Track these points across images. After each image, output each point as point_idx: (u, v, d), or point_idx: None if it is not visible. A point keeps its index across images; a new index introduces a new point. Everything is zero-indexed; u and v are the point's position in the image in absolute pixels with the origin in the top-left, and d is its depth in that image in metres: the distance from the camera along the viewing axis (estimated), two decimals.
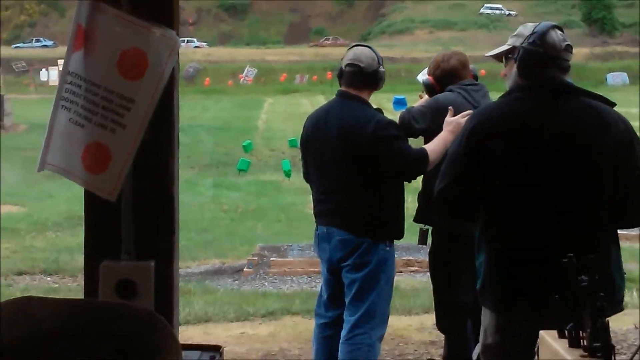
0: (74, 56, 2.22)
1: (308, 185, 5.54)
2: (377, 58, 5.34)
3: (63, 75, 2.24)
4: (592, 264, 2.71)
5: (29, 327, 1.58)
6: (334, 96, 5.48)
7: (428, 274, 10.90)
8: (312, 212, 5.54)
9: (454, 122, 5.25)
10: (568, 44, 3.94)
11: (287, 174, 20.56)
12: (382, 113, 5.38)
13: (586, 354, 2.60)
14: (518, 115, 3.88)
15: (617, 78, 53.91)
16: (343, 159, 5.23)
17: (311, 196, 5.55)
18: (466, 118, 5.03)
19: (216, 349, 2.03)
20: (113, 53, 2.21)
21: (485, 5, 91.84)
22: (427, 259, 11.51)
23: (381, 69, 5.37)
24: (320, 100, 45.64)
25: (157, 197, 2.31)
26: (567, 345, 2.76)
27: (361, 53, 5.35)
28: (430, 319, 8.23)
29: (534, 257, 3.81)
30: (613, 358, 2.44)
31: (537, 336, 3.90)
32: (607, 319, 2.59)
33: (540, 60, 3.90)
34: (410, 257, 11.13)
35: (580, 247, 3.72)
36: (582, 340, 2.73)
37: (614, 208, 3.82)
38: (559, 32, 3.97)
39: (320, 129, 5.38)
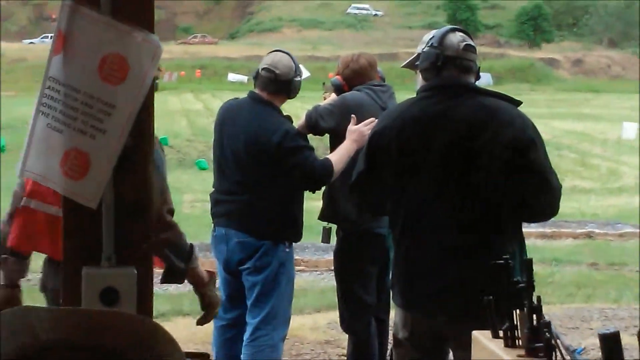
0: (54, 60, 2.17)
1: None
2: (294, 67, 5.33)
3: (44, 80, 2.18)
4: (528, 264, 2.78)
5: (28, 338, 1.53)
6: (246, 96, 5.44)
7: (315, 272, 11.08)
8: (210, 212, 5.51)
9: (357, 131, 5.28)
10: (468, 44, 4.04)
11: None
12: (292, 121, 5.37)
13: (524, 353, 2.65)
14: (413, 116, 4.00)
15: (481, 78, 55.14)
16: (247, 163, 5.23)
17: (209, 195, 5.53)
18: (368, 126, 5.12)
19: (205, 357, 2.01)
20: (93, 57, 2.16)
21: (352, 5, 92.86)
22: (313, 258, 11.55)
23: (297, 78, 5.35)
24: (190, 99, 45.47)
25: (135, 202, 2.28)
26: (503, 346, 2.83)
27: (279, 60, 5.33)
28: (323, 317, 8.33)
29: (434, 255, 3.91)
30: (555, 357, 2.49)
31: (445, 333, 4.01)
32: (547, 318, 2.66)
33: (437, 61, 4.00)
34: (297, 257, 11.25)
35: (481, 243, 3.86)
36: (517, 340, 2.80)
37: (515, 205, 3.91)
38: (459, 34, 4.08)
39: (227, 125, 5.35)
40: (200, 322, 4.11)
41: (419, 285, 3.94)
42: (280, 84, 5.29)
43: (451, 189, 3.89)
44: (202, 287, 3.94)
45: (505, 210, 3.89)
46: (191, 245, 3.85)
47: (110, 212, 2.25)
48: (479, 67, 4.11)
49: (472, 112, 3.93)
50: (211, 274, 4.00)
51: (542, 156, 3.92)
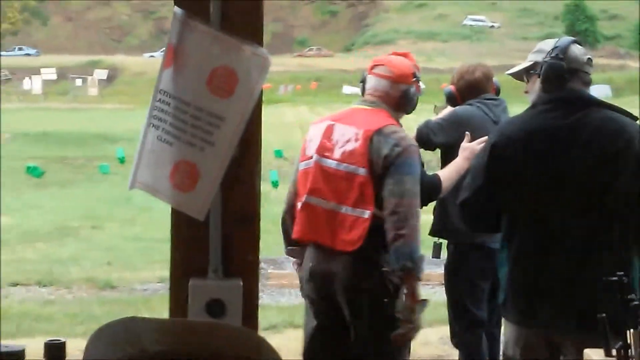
0: (164, 74, 2.20)
1: None
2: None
3: (154, 93, 2.22)
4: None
5: (134, 349, 1.54)
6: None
7: (427, 286, 11.01)
8: None
9: (469, 149, 5.14)
10: (589, 58, 3.99)
11: (275, 184, 20.55)
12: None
13: None
14: (539, 128, 3.90)
15: (599, 91, 54.22)
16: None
17: None
18: (481, 145, 5.02)
19: None
20: (203, 71, 2.19)
21: (468, 17, 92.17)
22: (425, 272, 11.50)
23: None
24: (305, 111, 45.76)
25: (242, 214, 2.30)
26: None
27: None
28: (435, 332, 8.25)
29: (556, 270, 3.82)
30: None
31: (559, 350, 3.93)
32: None
33: (563, 74, 3.92)
34: None
35: (604, 262, 3.76)
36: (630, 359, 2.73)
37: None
38: (579, 47, 4.00)
39: None
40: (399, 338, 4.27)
41: (537, 302, 3.87)
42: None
43: (582, 205, 3.81)
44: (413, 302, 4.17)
45: (634, 228, 3.80)
46: (421, 256, 4.23)
47: (218, 224, 2.27)
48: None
49: (601, 124, 3.85)
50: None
51: None
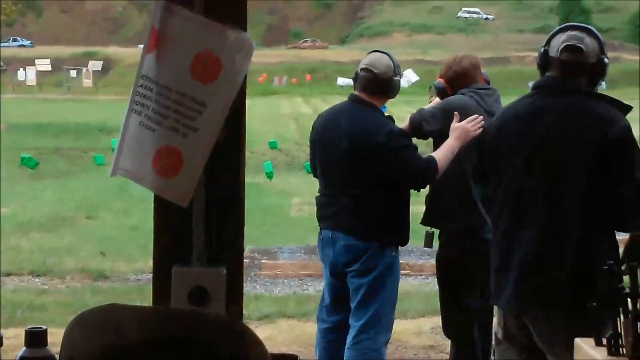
0: (147, 59, 2.18)
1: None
2: (393, 66, 5.29)
3: (137, 78, 2.20)
4: (634, 270, 2.71)
5: (115, 336, 1.53)
6: (347, 99, 5.45)
7: (420, 277, 11.02)
8: (316, 214, 5.51)
9: (460, 128, 5.23)
10: (567, 45, 3.92)
11: (269, 176, 20.54)
12: (394, 121, 5.35)
13: None
14: (514, 115, 4.02)
15: None
16: (351, 165, 5.20)
17: (315, 198, 5.53)
18: (471, 123, 5.10)
19: (293, 358, 1.99)
20: (186, 56, 2.16)
21: (463, 9, 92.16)
22: (418, 262, 11.51)
23: (396, 77, 5.31)
24: (299, 103, 45.77)
25: (226, 201, 2.28)
26: (607, 354, 2.74)
27: (377, 59, 5.31)
28: (427, 322, 8.27)
29: (519, 250, 3.88)
30: None
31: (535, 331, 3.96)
32: None
33: (542, 62, 4.01)
34: (402, 261, 11.21)
35: (579, 248, 3.78)
36: (621, 349, 2.72)
37: (611, 211, 3.81)
38: (571, 33, 3.95)
39: (328, 131, 5.35)
40: None
41: (510, 283, 3.90)
42: (379, 84, 5.26)
43: (547, 191, 3.85)
44: None
45: (600, 213, 3.80)
46: None
47: (201, 211, 2.25)
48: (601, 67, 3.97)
49: (569, 113, 3.88)
50: None
51: (636, 159, 3.82)
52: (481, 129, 4.83)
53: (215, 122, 2.15)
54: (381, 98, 5.34)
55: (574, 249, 3.77)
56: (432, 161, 5.19)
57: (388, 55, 5.36)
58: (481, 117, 5.23)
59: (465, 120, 5.23)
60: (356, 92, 5.36)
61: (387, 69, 5.26)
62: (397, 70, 5.31)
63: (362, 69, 5.32)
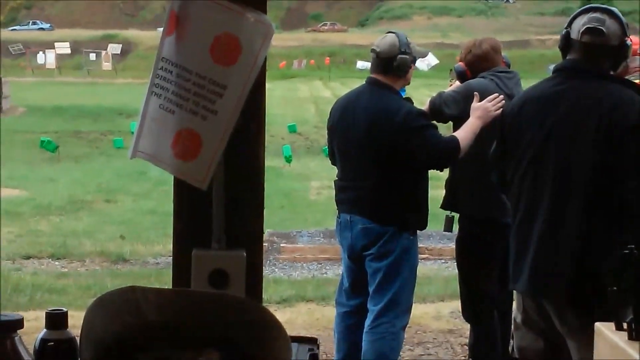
0: (166, 41, 2.18)
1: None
2: (398, 44, 5.24)
3: (156, 61, 2.19)
4: None
5: (134, 317, 1.53)
6: (364, 83, 5.44)
7: (439, 261, 11.01)
8: (334, 198, 5.50)
9: (481, 108, 5.22)
10: (588, 27, 3.86)
11: (288, 160, 20.51)
12: (412, 102, 5.33)
13: None
14: (535, 97, 3.96)
15: None
16: (369, 148, 5.18)
17: (333, 182, 5.52)
18: (492, 102, 5.08)
19: (313, 342, 1.99)
20: (206, 38, 2.16)
21: None
22: (437, 246, 11.50)
23: (403, 55, 5.26)
24: (319, 86, 45.72)
25: (246, 185, 2.28)
26: (627, 338, 2.73)
27: (382, 39, 5.32)
28: (446, 306, 8.26)
29: (538, 234, 3.83)
30: None
31: (554, 315, 3.93)
32: None
33: (563, 46, 3.95)
34: (421, 245, 11.22)
35: (596, 227, 3.74)
36: None
37: (627, 194, 3.77)
38: (592, 15, 3.89)
39: (347, 115, 5.33)
40: None
41: (529, 268, 3.87)
42: (384, 63, 5.24)
43: (569, 174, 3.80)
44: None
45: (623, 197, 3.76)
46: None
47: (221, 194, 2.25)
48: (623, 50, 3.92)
49: (588, 95, 3.82)
50: None
51: None
52: (501, 109, 4.80)
53: (235, 105, 2.14)
54: (394, 78, 5.28)
55: (588, 233, 3.74)
56: (453, 140, 5.18)
57: (396, 34, 5.33)
58: (501, 96, 5.21)
59: (485, 100, 5.22)
60: (372, 75, 5.35)
61: (390, 48, 5.23)
62: (404, 49, 5.24)
63: (371, 51, 5.36)
